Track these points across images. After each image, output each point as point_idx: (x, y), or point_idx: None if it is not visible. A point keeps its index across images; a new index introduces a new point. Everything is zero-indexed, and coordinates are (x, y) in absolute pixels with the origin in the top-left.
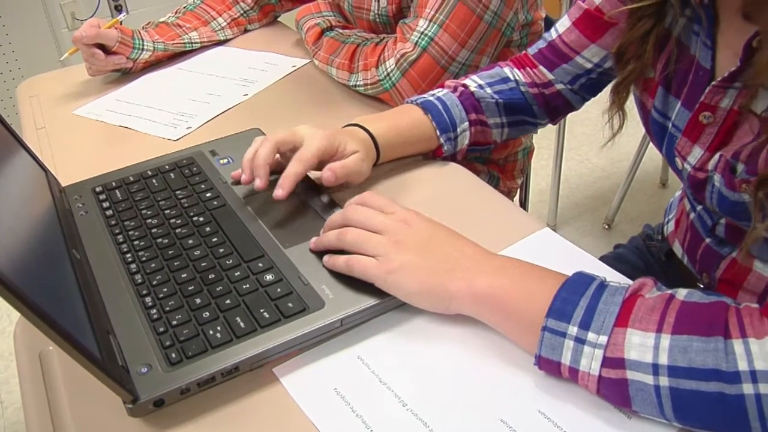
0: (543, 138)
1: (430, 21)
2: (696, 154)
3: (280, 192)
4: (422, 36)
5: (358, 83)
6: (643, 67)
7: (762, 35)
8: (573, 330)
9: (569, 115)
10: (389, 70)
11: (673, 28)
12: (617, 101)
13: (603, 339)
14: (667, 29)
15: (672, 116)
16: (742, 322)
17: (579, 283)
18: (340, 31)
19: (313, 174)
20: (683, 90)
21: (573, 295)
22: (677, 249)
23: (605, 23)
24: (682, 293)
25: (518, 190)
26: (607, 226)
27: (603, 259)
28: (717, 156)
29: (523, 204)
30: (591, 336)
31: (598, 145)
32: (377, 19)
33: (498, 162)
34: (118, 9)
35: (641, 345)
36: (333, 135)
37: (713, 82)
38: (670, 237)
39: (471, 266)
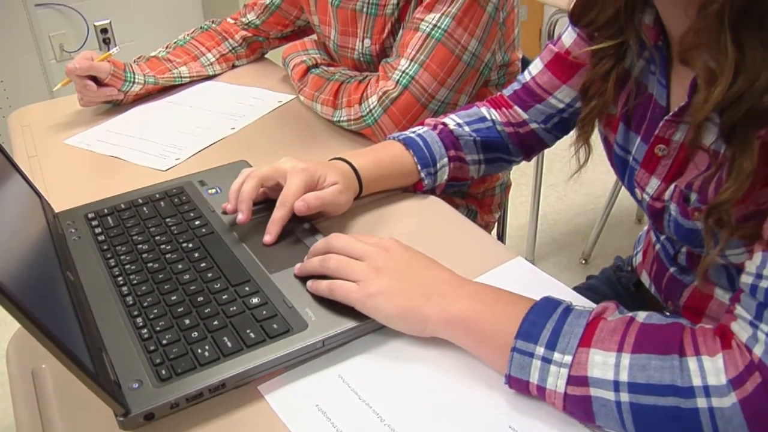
0: (522, 175)
1: (411, 60)
2: (653, 184)
3: (268, 238)
4: (403, 75)
5: (341, 119)
6: (605, 103)
7: (699, 78)
8: (540, 350)
9: (548, 153)
10: (372, 106)
11: (632, 69)
12: (582, 135)
13: (568, 358)
14: (627, 69)
15: (632, 150)
16: (696, 342)
17: (546, 306)
18: (325, 68)
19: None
20: (642, 126)
21: (540, 318)
22: (645, 279)
23: (575, 65)
24: (641, 316)
25: (496, 224)
26: (584, 261)
27: (575, 289)
28: (672, 186)
29: (501, 237)
30: (557, 356)
31: (576, 182)
32: (361, 58)
33: (476, 196)
34: (107, 42)
35: (603, 364)
36: (314, 168)
37: (666, 117)
38: (638, 268)
39: (446, 291)
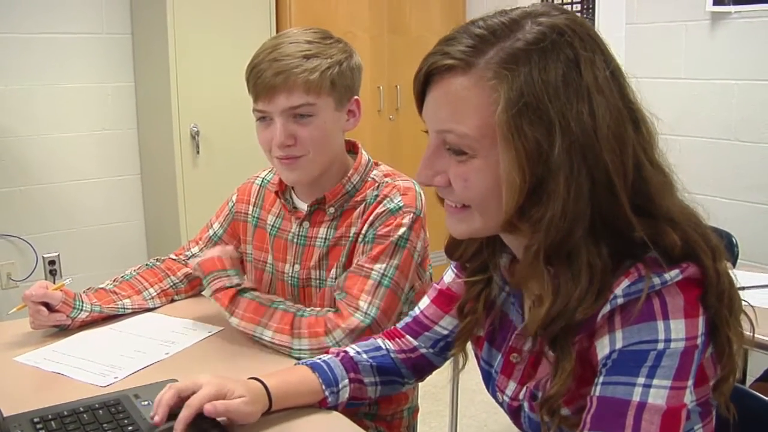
0: (447, 406)
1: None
2: (511, 387)
3: None
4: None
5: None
6: (476, 320)
7: (531, 302)
8: None
9: (470, 384)
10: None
11: (497, 300)
12: (459, 344)
13: None
14: (493, 300)
15: (494, 364)
16: None
17: None
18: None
19: None
20: (503, 345)
21: None
22: None
23: (454, 298)
24: None
25: None
26: None
27: None
28: (525, 388)
29: None
30: None
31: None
32: (289, 281)
33: (385, 418)
34: (53, 273)
35: None
36: (224, 383)
37: (516, 331)
38: None
39: None
